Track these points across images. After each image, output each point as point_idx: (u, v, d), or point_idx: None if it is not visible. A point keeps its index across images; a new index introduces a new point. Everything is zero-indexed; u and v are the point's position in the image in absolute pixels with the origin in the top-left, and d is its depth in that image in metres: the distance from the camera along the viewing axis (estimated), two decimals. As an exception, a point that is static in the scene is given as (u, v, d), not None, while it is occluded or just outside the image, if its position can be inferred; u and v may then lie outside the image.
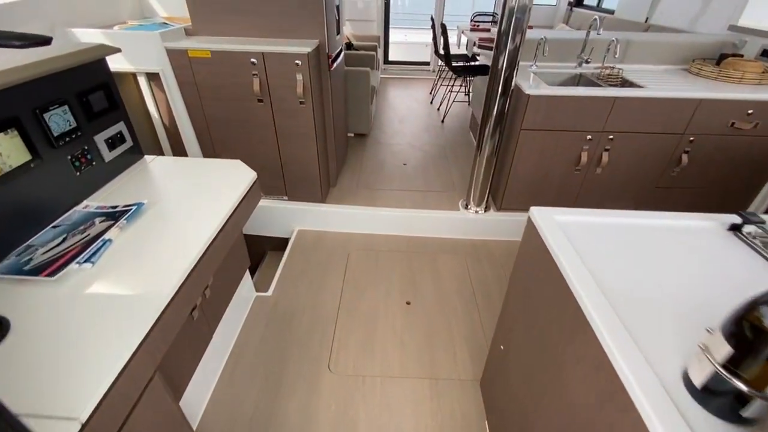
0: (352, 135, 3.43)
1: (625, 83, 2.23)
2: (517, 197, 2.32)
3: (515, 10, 1.74)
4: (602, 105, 1.97)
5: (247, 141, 2.14)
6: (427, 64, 5.48)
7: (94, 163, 1.18)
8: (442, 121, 3.84)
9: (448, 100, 4.30)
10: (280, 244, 2.47)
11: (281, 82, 1.94)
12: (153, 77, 1.96)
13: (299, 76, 1.90)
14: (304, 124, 2.07)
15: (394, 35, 5.89)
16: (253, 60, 1.87)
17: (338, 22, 2.32)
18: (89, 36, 1.80)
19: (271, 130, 2.09)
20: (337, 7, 2.26)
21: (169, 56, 1.87)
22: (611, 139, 2.06)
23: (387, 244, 2.32)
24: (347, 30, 4.85)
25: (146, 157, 1.44)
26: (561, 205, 1.76)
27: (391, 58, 5.55)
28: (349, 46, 3.83)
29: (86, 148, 1.14)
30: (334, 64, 2.25)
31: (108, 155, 1.23)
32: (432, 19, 4.22)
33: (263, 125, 2.08)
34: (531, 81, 2.10)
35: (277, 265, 2.15)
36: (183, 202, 1.16)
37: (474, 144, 3.30)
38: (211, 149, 2.18)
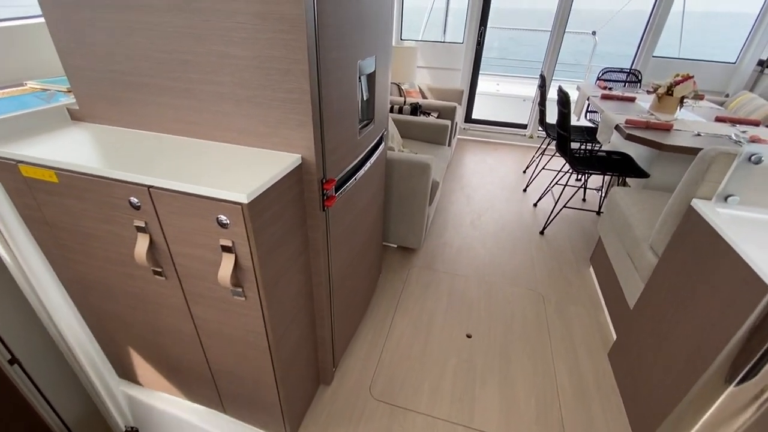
0: (395, 246, 2.26)
1: None
2: None
3: None
4: None
5: (149, 324, 1.09)
6: (524, 126, 4.15)
7: None
8: (542, 232, 2.49)
9: (553, 196, 2.92)
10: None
11: (193, 251, 0.86)
12: (-20, 200, 1.02)
13: (225, 247, 0.80)
14: (243, 327, 0.95)
15: (482, 83, 4.70)
16: (133, 200, 0.83)
17: (368, 107, 1.21)
18: None
19: (185, 321, 1.02)
20: (370, 81, 1.15)
21: (-8, 171, 0.92)
22: None
23: None
24: (420, 81, 3.80)
25: None
26: None
27: (475, 114, 4.34)
28: (414, 109, 2.74)
29: None
30: (344, 191, 1.12)
31: None
32: (542, 77, 2.95)
33: (171, 309, 1.01)
34: None
35: None
36: None
37: (601, 303, 1.71)
38: (95, 323, 1.18)
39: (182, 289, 0.94)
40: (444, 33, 4.80)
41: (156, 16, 0.85)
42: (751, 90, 3.35)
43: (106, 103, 1.01)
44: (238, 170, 0.83)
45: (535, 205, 2.84)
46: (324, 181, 0.98)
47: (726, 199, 1.14)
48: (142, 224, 0.84)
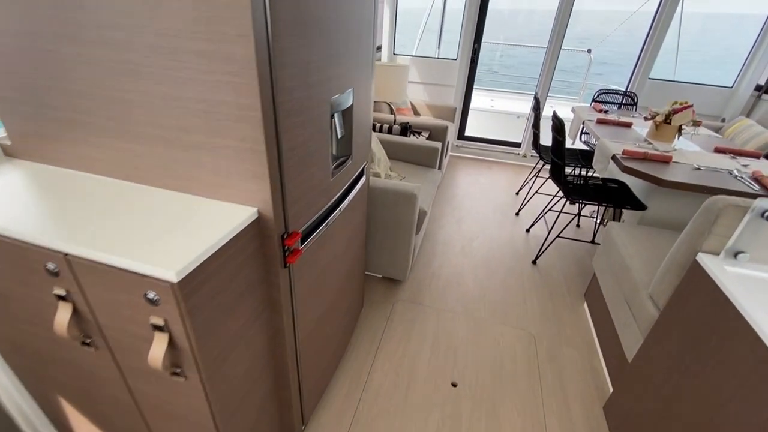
0: (379, 276, 2.14)
1: None
2: None
3: None
4: None
5: (85, 391, 0.95)
6: (517, 145, 4.07)
7: None
8: (534, 262, 2.38)
9: (546, 223, 2.82)
10: None
11: (123, 325, 0.73)
12: None
13: (156, 326, 0.68)
14: (186, 405, 0.82)
15: (476, 98, 4.61)
16: (50, 266, 0.70)
17: (344, 143, 1.09)
18: None
19: (123, 392, 0.88)
20: (347, 116, 1.04)
21: None
22: None
23: None
24: (413, 97, 3.71)
25: None
26: None
27: (468, 131, 4.25)
28: (404, 129, 2.63)
29: None
30: (313, 238, 1.00)
31: None
32: (536, 98, 2.87)
33: (105, 380, 0.88)
34: None
35: None
36: None
37: (596, 346, 1.56)
38: (29, 382, 1.04)
39: (116, 362, 0.81)
40: (438, 47, 4.74)
41: (91, 49, 0.73)
42: (748, 115, 3.30)
43: (40, 140, 0.89)
44: (178, 229, 0.71)
45: (527, 230, 2.73)
46: (285, 236, 0.86)
47: (736, 255, 1.04)
48: (63, 293, 0.72)
